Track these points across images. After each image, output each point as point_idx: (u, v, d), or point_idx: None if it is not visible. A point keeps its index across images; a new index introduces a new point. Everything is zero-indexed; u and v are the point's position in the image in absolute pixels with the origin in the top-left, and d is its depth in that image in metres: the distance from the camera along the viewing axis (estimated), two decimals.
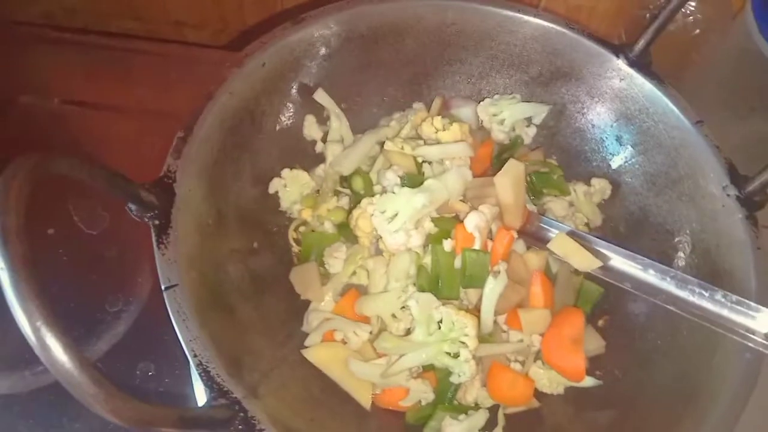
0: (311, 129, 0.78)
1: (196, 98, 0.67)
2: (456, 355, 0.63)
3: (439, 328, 0.64)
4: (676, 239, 0.71)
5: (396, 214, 0.66)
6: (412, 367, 0.64)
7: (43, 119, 0.98)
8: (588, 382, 0.67)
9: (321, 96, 0.77)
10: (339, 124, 0.78)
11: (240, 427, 0.49)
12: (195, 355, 0.53)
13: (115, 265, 0.84)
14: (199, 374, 0.52)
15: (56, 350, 0.37)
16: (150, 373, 0.77)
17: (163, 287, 0.55)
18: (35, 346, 0.37)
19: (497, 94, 0.84)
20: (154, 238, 0.57)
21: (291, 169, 0.75)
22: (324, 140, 0.79)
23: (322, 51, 0.74)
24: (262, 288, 0.70)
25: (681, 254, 0.70)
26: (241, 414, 0.50)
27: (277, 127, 0.76)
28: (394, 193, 0.66)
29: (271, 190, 0.74)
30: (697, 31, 1.00)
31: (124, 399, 0.39)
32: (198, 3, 1.13)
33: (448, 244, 0.67)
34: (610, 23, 1.07)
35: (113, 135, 0.98)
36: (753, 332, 0.58)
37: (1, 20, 1.16)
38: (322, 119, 0.79)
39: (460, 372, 0.63)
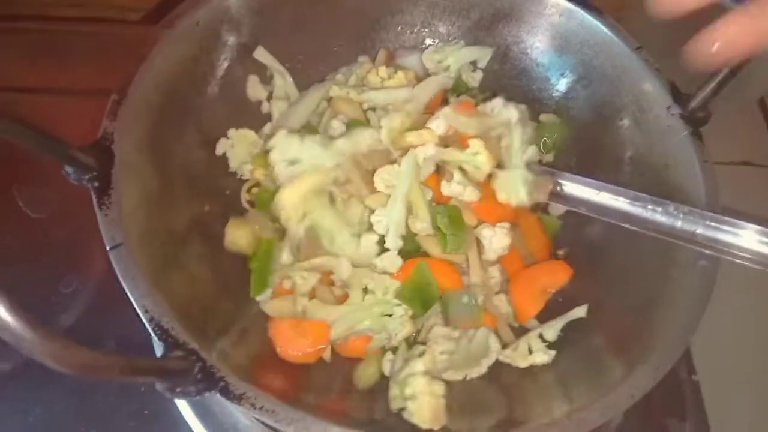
0: (255, 89, 0.76)
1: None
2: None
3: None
4: (627, 165, 0.72)
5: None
6: (347, 334, 0.64)
7: None
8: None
9: (261, 54, 0.75)
10: (283, 82, 0.77)
11: (199, 375, 0.48)
12: (146, 311, 0.51)
13: (66, 246, 0.82)
14: (152, 329, 0.51)
15: None
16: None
17: (107, 247, 0.54)
18: None
19: (441, 41, 0.84)
20: (94, 200, 0.56)
21: (237, 129, 0.74)
22: (269, 99, 0.77)
23: (257, 5, 0.73)
24: (218, 249, 0.68)
25: (633, 178, 0.70)
26: (200, 363, 0.49)
27: (220, 89, 0.73)
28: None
29: (219, 152, 0.73)
30: None
31: (63, 343, 0.37)
32: None
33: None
34: None
35: (57, 118, 0.94)
36: (707, 239, 0.58)
37: None
38: (266, 78, 0.78)
39: (396, 331, 0.63)
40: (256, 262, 0.68)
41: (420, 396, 0.56)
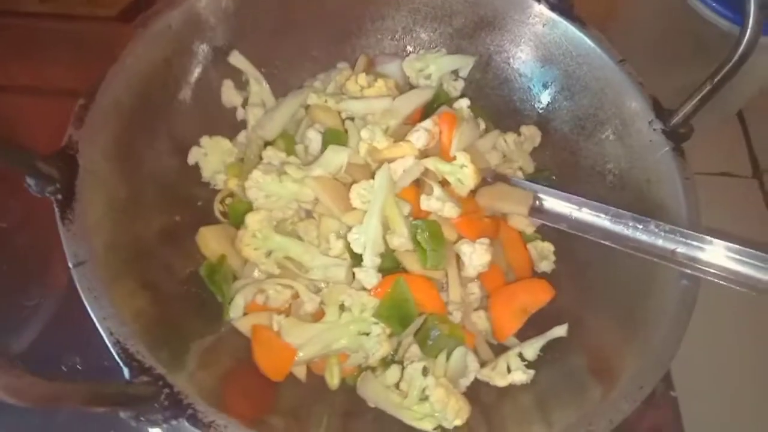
0: (230, 94, 0.74)
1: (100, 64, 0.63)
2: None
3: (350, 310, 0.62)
4: (608, 179, 0.71)
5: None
6: (322, 353, 0.62)
7: None
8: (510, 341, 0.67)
9: (236, 58, 0.73)
10: (259, 88, 0.75)
11: (165, 402, 0.46)
12: (111, 333, 0.49)
13: (29, 257, 0.78)
14: (117, 353, 0.48)
15: None
16: (78, 367, 0.72)
17: (70, 264, 0.51)
18: None
19: (422, 49, 0.82)
20: (57, 214, 0.53)
21: (211, 136, 0.71)
22: (244, 106, 0.75)
23: (232, 8, 0.70)
24: (189, 263, 0.66)
25: (614, 193, 0.70)
26: (166, 389, 0.47)
27: (194, 94, 0.71)
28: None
29: (191, 161, 0.70)
30: None
31: (18, 375, 0.35)
32: None
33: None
34: None
35: (27, 118, 0.91)
36: (687, 258, 0.58)
37: None
38: (241, 84, 0.75)
39: (373, 350, 0.62)
40: (213, 286, 0.65)
41: (446, 401, 0.56)
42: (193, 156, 0.70)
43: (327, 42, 0.80)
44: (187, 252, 0.67)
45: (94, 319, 0.49)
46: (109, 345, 0.48)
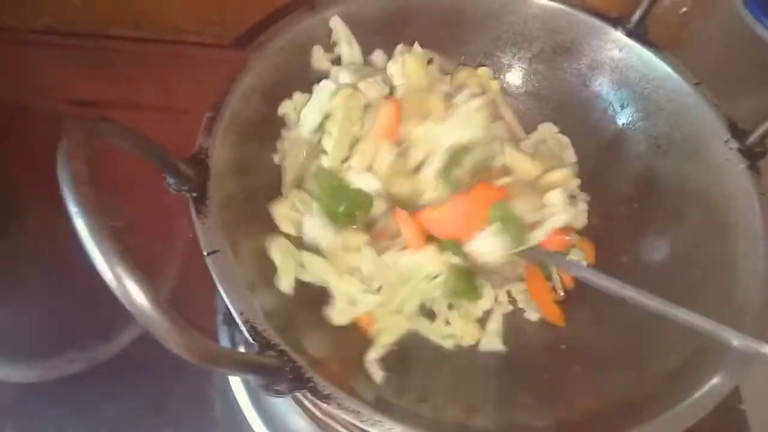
0: (320, 61, 0.78)
1: (221, 82, 0.70)
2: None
3: None
4: (684, 196, 0.74)
5: None
6: None
7: (54, 120, 1.00)
8: None
9: (336, 22, 0.77)
10: (351, 50, 0.79)
11: (290, 375, 0.52)
12: (241, 313, 0.55)
13: (141, 255, 0.85)
14: (247, 330, 0.54)
15: (132, 288, 0.39)
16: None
17: (205, 253, 0.58)
18: (113, 284, 0.39)
19: (501, 73, 0.88)
20: (193, 209, 0.60)
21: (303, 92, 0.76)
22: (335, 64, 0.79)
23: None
24: None
25: (689, 209, 0.73)
26: (290, 364, 0.52)
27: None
28: None
29: (281, 112, 0.76)
30: (685, 9, 1.05)
31: (194, 335, 0.41)
32: (200, 9, 1.16)
33: None
34: None
35: None
36: None
37: (6, 29, 1.18)
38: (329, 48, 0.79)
39: None
40: None
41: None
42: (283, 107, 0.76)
43: None
44: None
45: (227, 301, 0.55)
46: (240, 324, 0.54)
